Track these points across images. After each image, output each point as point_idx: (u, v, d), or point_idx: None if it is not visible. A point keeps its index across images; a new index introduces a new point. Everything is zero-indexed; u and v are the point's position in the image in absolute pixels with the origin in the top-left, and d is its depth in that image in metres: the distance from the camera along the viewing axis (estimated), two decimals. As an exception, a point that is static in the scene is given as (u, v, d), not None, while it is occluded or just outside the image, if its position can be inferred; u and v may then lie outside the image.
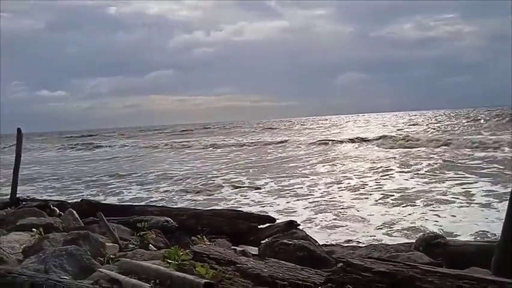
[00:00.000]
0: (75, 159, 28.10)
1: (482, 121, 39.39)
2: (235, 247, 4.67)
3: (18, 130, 6.94)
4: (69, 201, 7.45)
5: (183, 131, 64.09)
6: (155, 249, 4.30)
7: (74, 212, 5.63)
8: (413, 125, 45.29)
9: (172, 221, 5.36)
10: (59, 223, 5.21)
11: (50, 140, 59.46)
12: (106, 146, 38.22)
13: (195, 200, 11.23)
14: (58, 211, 6.27)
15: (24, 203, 6.86)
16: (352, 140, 27.51)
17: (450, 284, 2.40)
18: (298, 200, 10.59)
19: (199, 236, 4.48)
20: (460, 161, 15.84)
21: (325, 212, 9.02)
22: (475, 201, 9.34)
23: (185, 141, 36.13)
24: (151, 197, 11.91)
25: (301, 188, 12.26)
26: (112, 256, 3.72)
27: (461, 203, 9.31)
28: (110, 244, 4.11)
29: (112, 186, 14.38)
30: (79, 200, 7.30)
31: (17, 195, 7.06)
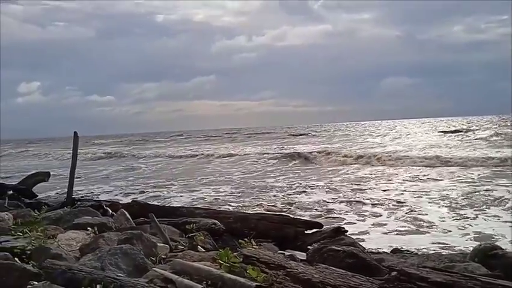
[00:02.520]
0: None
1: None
2: (283, 251, 4.67)
3: (75, 133, 7.25)
4: (120, 202, 7.72)
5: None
6: (203, 250, 4.37)
7: (126, 212, 5.82)
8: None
9: (219, 223, 5.43)
10: (112, 223, 5.40)
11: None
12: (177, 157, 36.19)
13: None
14: (111, 211, 6.51)
15: (79, 202, 7.17)
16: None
17: (513, 297, 2.29)
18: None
19: (246, 239, 4.51)
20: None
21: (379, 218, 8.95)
22: None
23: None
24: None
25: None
26: (163, 256, 3.82)
27: None
28: (161, 244, 4.21)
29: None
30: (130, 201, 7.55)
31: (73, 196, 7.39)
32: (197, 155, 31.41)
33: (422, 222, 8.50)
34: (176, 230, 5.31)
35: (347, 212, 9.90)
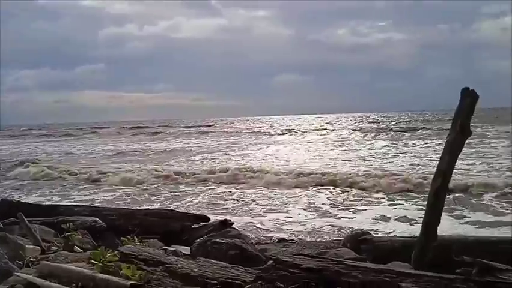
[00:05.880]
0: None
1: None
2: (167, 247, 4.59)
3: None
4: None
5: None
6: (80, 251, 4.11)
7: (-8, 213, 5.25)
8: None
9: (100, 221, 5.15)
10: (-26, 225, 4.82)
11: None
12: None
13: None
14: (-26, 212, 5.80)
15: None
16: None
17: (372, 277, 2.51)
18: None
19: (129, 236, 4.34)
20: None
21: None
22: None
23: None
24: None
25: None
26: (32, 259, 3.51)
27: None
28: (31, 246, 3.86)
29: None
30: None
31: None
32: None
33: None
34: (51, 230, 4.93)
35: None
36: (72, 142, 37.73)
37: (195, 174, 13.86)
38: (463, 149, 3.18)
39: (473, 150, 17.19)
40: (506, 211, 8.37)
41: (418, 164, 14.99)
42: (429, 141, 23.71)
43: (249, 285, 2.62)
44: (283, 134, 38.52)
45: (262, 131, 42.72)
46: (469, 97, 3.08)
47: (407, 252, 3.43)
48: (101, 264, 2.70)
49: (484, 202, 9.18)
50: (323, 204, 9.63)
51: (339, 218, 8.31)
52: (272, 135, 37.55)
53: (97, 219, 5.16)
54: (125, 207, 8.00)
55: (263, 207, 9.50)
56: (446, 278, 2.39)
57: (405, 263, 3.37)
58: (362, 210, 9.00)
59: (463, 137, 3.12)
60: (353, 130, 37.90)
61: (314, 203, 9.73)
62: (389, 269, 2.65)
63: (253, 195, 10.92)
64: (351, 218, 8.29)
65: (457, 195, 9.52)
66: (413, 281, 2.40)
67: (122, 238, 4.42)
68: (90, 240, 4.59)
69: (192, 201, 10.37)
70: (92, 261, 2.80)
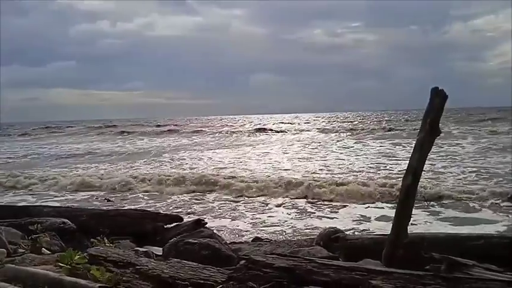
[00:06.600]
0: None
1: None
2: (139, 248, 4.51)
3: None
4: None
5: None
6: (48, 253, 3.99)
7: (-45, 215, 5.05)
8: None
9: (69, 222, 5.02)
10: None
11: None
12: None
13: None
14: None
15: None
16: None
17: (344, 275, 2.52)
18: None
19: (99, 237, 4.24)
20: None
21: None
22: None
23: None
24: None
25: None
26: (-4, 262, 3.38)
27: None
28: (-4, 249, 3.72)
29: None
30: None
31: None
32: None
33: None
34: (18, 232, 4.77)
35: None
36: (34, 142, 36.41)
37: (159, 176, 13.14)
38: (432, 148, 3.24)
39: (441, 149, 17.64)
40: (478, 208, 8.64)
41: (389, 163, 15.20)
42: (399, 140, 24.15)
43: (220, 286, 2.59)
44: (257, 133, 38.57)
45: (237, 130, 42.60)
46: (438, 97, 3.14)
47: (379, 250, 3.48)
48: (68, 267, 2.63)
49: (456, 200, 9.38)
50: (296, 207, 9.57)
51: (317, 219, 8.35)
52: (248, 135, 37.41)
53: (66, 220, 5.03)
54: (97, 207, 7.82)
55: (238, 209, 9.48)
56: (415, 275, 2.43)
57: (377, 261, 3.42)
58: (340, 210, 9.07)
59: (432, 136, 3.18)
60: (325, 130, 38.30)
61: (287, 206, 9.71)
62: (360, 266, 2.67)
63: (225, 198, 10.83)
64: (330, 219, 8.34)
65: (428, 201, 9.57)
66: (383, 278, 2.42)
67: (92, 239, 4.32)
68: (59, 242, 4.46)
69: (159, 204, 10.21)
70: (60, 263, 2.71)
